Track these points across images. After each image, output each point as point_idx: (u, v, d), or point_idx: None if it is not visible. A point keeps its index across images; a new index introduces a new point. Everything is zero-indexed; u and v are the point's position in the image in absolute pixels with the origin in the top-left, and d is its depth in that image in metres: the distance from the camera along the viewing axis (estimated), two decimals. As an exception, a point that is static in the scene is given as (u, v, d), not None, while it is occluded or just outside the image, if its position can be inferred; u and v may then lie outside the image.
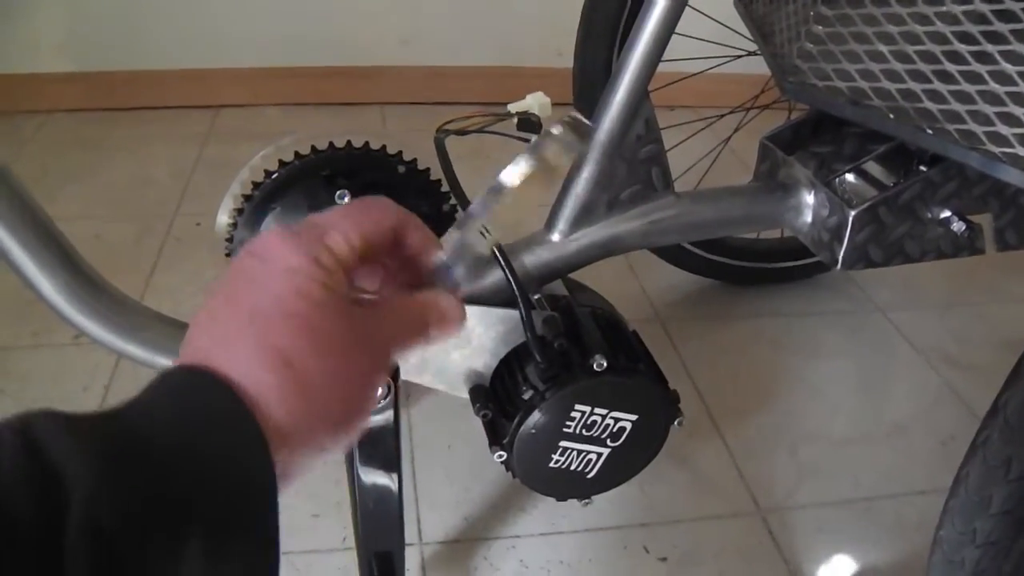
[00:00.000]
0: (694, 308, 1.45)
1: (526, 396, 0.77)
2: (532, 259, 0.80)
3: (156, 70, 2.02)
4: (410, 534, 0.99)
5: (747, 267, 1.44)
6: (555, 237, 0.80)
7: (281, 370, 0.36)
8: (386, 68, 2.08)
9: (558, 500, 0.90)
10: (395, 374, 0.71)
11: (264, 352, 0.36)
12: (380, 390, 0.70)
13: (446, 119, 0.89)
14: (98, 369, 1.19)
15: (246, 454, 0.34)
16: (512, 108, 0.92)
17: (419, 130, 0.87)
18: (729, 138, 1.39)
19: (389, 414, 0.72)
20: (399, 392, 0.72)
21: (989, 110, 0.69)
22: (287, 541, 0.96)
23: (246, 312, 0.37)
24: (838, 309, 1.47)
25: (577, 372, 0.76)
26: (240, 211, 0.85)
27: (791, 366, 1.32)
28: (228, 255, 0.87)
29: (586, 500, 0.86)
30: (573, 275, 0.86)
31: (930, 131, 0.73)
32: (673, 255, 1.39)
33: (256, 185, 0.85)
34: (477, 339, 0.79)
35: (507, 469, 0.81)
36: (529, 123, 0.91)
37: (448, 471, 1.07)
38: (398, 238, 0.45)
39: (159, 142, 1.91)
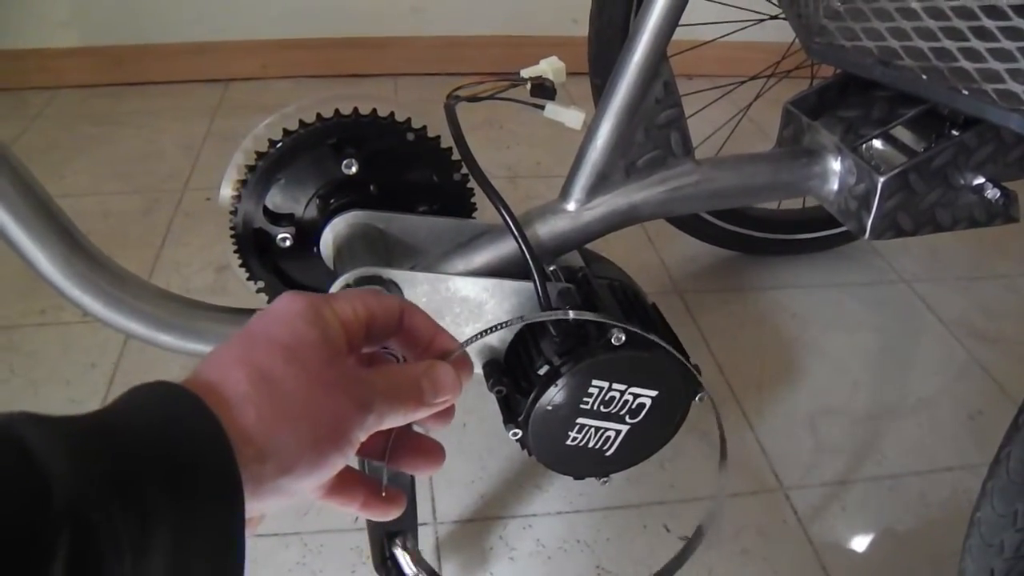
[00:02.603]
0: (713, 280, 1.42)
1: (541, 371, 0.74)
2: (546, 229, 0.77)
3: (164, 43, 1.99)
4: (424, 513, 0.97)
5: (767, 238, 1.40)
6: (570, 206, 0.77)
7: (257, 382, 0.38)
8: (397, 38, 2.05)
9: (575, 479, 0.87)
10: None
11: (244, 365, 0.39)
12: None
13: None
14: (107, 347, 1.17)
15: (204, 439, 0.35)
16: (525, 73, 0.89)
17: (431, 101, 0.84)
18: (749, 106, 1.35)
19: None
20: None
21: (1030, 68, 0.65)
22: (300, 521, 0.95)
23: (240, 337, 0.41)
24: (861, 280, 1.43)
25: (594, 346, 0.73)
26: (244, 182, 0.82)
27: (813, 339, 1.29)
28: (233, 230, 0.85)
29: (604, 479, 0.84)
30: (590, 246, 0.83)
31: (966, 92, 0.69)
32: (692, 226, 1.36)
33: (260, 155, 0.82)
34: (490, 312, 0.76)
35: (523, 447, 0.79)
36: (543, 89, 0.88)
37: (463, 449, 1.05)
38: (406, 325, 0.47)
39: (168, 116, 1.89)
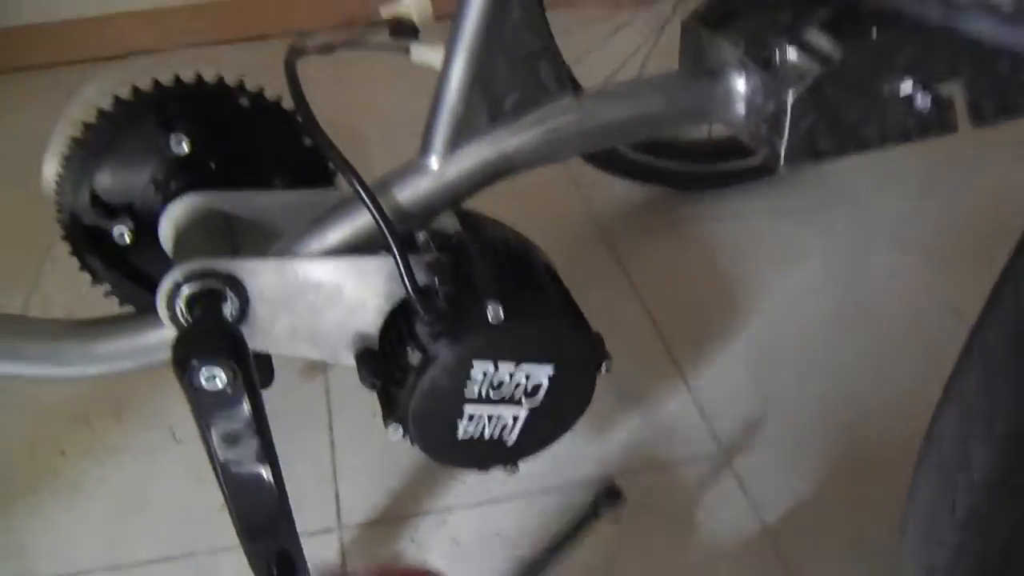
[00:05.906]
0: (646, 222, 1.31)
1: (414, 360, 0.64)
2: (407, 193, 0.66)
3: (43, 24, 1.85)
4: (328, 517, 0.87)
5: (700, 170, 1.30)
6: (432, 162, 0.66)
7: None
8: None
9: (480, 471, 0.78)
10: (241, 354, 0.58)
11: None
12: (224, 376, 0.57)
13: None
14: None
15: None
16: (385, 12, 0.78)
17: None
18: (663, 28, 1.23)
19: (244, 404, 0.59)
20: (252, 376, 0.58)
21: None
22: (193, 540, 0.84)
23: None
24: (806, 207, 1.32)
25: (469, 324, 0.62)
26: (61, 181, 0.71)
27: (756, 276, 1.19)
28: (64, 229, 0.74)
29: (512, 468, 0.74)
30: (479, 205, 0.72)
31: (875, -19, 0.58)
32: (616, 164, 1.25)
33: (75, 142, 0.71)
34: (350, 296, 0.66)
35: (411, 443, 0.69)
36: (404, 28, 0.77)
37: (372, 441, 0.94)
38: None
39: (57, 104, 1.75)
